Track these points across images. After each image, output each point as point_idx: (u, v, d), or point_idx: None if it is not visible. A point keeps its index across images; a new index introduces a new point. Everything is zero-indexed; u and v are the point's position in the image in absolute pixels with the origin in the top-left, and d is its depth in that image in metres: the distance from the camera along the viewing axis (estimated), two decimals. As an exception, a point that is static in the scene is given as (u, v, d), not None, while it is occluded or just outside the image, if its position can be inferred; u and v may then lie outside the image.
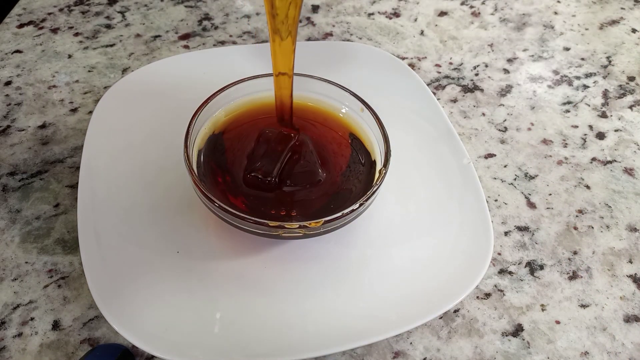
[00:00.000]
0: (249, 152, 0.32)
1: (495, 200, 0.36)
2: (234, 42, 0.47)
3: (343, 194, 0.30)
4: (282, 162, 0.31)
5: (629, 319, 0.31)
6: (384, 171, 0.28)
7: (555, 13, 0.53)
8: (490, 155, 0.39)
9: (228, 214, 0.26)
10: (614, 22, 0.52)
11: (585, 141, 0.41)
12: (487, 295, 0.32)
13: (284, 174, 0.31)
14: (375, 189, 0.28)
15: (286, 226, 0.26)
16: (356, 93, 0.33)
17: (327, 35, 0.49)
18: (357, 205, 0.27)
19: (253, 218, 0.26)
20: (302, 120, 0.34)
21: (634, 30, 0.51)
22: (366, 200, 0.27)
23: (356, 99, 0.32)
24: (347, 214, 0.27)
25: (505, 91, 0.44)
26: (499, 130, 0.41)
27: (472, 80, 0.45)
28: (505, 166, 0.39)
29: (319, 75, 0.34)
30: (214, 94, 0.31)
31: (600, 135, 0.41)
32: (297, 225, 0.26)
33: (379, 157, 0.31)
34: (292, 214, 0.29)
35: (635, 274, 0.33)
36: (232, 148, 0.32)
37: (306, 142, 0.32)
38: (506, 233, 0.35)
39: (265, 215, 0.28)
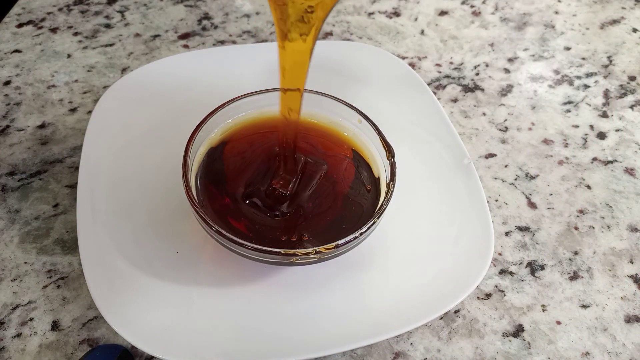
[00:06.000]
0: (257, 174, 0.30)
1: (496, 200, 0.36)
2: (234, 42, 0.47)
3: (350, 211, 0.30)
4: (295, 184, 0.30)
5: (629, 320, 0.31)
6: (392, 185, 0.28)
7: (556, 12, 0.53)
8: (491, 155, 0.39)
9: (239, 245, 0.25)
10: (614, 22, 0.52)
11: (586, 141, 0.41)
12: (488, 295, 0.32)
13: (294, 196, 0.30)
14: (386, 206, 0.27)
15: (299, 253, 0.25)
16: (354, 105, 0.31)
17: (327, 35, 0.49)
18: (371, 222, 0.26)
19: (265, 248, 0.25)
20: (302, 139, 0.32)
21: (634, 30, 0.51)
22: (378, 217, 0.27)
23: (354, 110, 0.31)
24: (363, 232, 0.26)
25: (506, 91, 0.44)
26: (500, 130, 0.41)
27: (472, 79, 0.45)
28: (505, 166, 0.39)
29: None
30: (209, 114, 0.30)
31: (601, 135, 0.41)
32: (312, 251, 0.25)
33: (382, 171, 0.30)
34: (304, 238, 0.28)
35: (636, 274, 0.33)
36: (234, 171, 0.31)
37: (314, 164, 0.31)
38: (507, 233, 0.35)
39: (275, 243, 0.27)
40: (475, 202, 0.32)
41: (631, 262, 0.33)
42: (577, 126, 0.42)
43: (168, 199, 0.32)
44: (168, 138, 0.34)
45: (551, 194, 0.37)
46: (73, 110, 0.40)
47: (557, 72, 0.46)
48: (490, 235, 0.31)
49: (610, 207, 0.36)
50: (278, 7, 0.23)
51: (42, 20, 0.48)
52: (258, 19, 0.49)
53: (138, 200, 0.32)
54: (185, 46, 0.46)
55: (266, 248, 0.25)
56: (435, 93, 0.43)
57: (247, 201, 0.29)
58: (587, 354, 0.29)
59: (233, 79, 0.38)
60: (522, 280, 0.32)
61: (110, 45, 0.46)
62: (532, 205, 0.36)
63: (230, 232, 0.25)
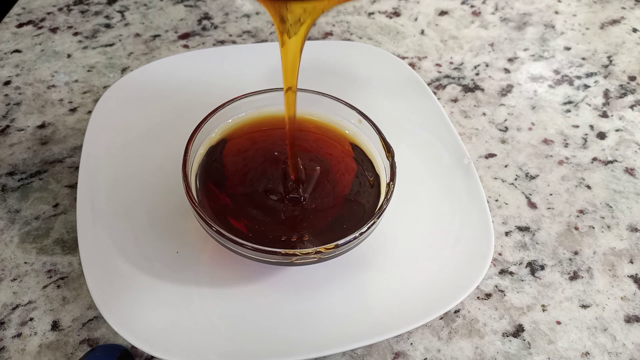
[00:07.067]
0: (257, 174, 0.30)
1: (496, 200, 0.36)
2: (234, 42, 0.47)
3: (350, 211, 0.30)
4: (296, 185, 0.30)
5: (629, 320, 0.31)
6: (392, 185, 0.28)
7: (556, 12, 0.53)
8: (491, 155, 0.39)
9: (239, 245, 0.25)
10: (614, 22, 0.52)
11: (586, 141, 0.41)
12: (488, 295, 0.32)
13: (294, 196, 0.30)
14: (386, 206, 0.27)
15: (299, 253, 0.25)
16: (354, 105, 0.31)
17: (327, 35, 0.49)
18: (371, 222, 0.26)
19: (265, 248, 0.25)
20: (304, 138, 0.33)
21: (634, 30, 0.51)
22: (378, 217, 0.27)
23: (354, 110, 0.31)
24: (363, 232, 0.26)
25: (506, 91, 0.44)
26: (500, 130, 0.41)
27: (472, 79, 0.45)
28: (505, 166, 0.39)
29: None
30: (209, 114, 0.30)
31: (601, 135, 0.41)
32: (312, 251, 0.25)
33: (382, 171, 0.30)
34: (304, 238, 0.28)
35: (636, 274, 0.33)
36: (234, 171, 0.31)
37: (315, 164, 0.31)
38: (507, 233, 0.35)
39: (275, 243, 0.27)
40: (475, 202, 0.32)
41: (631, 262, 0.33)
42: (577, 126, 0.42)
43: (168, 199, 0.32)
44: (168, 138, 0.34)
45: (551, 194, 0.37)
46: (73, 110, 0.40)
47: (557, 72, 0.46)
48: (490, 235, 0.31)
49: (610, 207, 0.36)
50: (277, 13, 0.24)
51: (42, 20, 0.48)
52: (258, 19, 0.49)
53: (138, 200, 0.32)
54: (185, 46, 0.46)
55: (266, 248, 0.25)
56: (435, 93, 0.43)
57: (247, 201, 0.29)
58: (587, 354, 0.29)
59: (233, 79, 0.38)
60: (522, 280, 0.32)
61: (110, 45, 0.46)
62: (532, 205, 0.36)
63: (230, 232, 0.25)
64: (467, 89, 0.44)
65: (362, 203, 0.30)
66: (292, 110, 0.29)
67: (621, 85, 0.45)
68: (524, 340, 0.30)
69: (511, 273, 0.33)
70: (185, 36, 0.47)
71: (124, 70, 0.44)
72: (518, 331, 0.30)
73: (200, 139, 0.30)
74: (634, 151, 0.40)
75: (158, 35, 0.47)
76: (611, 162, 0.39)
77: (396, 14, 0.51)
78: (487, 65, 0.46)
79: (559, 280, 0.32)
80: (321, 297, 0.29)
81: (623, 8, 0.53)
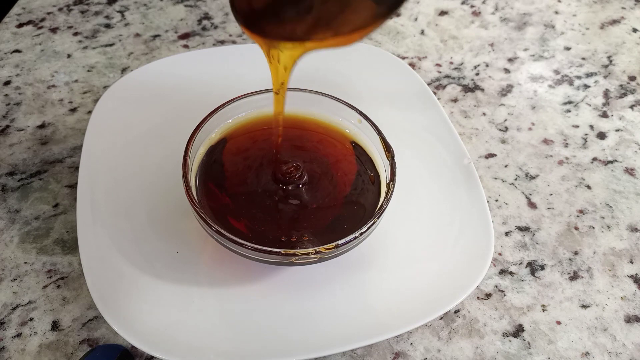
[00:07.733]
0: (257, 174, 0.30)
1: (496, 200, 0.36)
2: (234, 42, 0.47)
3: (350, 211, 0.29)
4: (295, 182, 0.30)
5: (629, 320, 0.31)
6: (392, 185, 0.28)
7: (556, 12, 0.53)
8: (491, 155, 0.39)
9: (239, 245, 0.25)
10: (614, 22, 0.52)
11: (586, 141, 0.41)
12: (488, 295, 0.32)
13: (294, 196, 0.30)
14: (386, 206, 0.27)
15: (299, 253, 0.25)
16: (354, 105, 0.31)
17: (327, 35, 0.49)
18: (371, 222, 0.26)
19: (265, 248, 0.25)
20: (304, 138, 0.33)
21: (634, 30, 0.51)
22: (378, 217, 0.27)
23: (354, 110, 0.31)
24: (363, 232, 0.26)
25: (506, 91, 0.44)
26: (500, 130, 0.41)
27: (472, 79, 0.45)
28: (506, 166, 0.39)
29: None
30: (209, 114, 0.30)
31: (601, 135, 0.41)
32: (312, 251, 0.25)
33: (382, 170, 0.30)
34: (304, 238, 0.28)
35: (636, 274, 0.33)
36: (234, 171, 0.31)
37: (315, 164, 0.31)
38: (507, 233, 0.35)
39: (275, 243, 0.27)
40: (475, 202, 0.32)
41: (631, 262, 0.33)
42: (577, 126, 0.42)
43: (168, 198, 0.32)
44: (168, 138, 0.34)
45: (551, 194, 0.37)
46: (73, 110, 0.40)
47: (557, 72, 0.46)
48: (490, 235, 0.31)
49: (610, 207, 0.36)
50: (269, 50, 0.25)
51: (42, 20, 0.48)
52: (258, 19, 0.49)
53: (138, 200, 0.32)
54: (185, 46, 0.46)
55: (266, 248, 0.25)
56: (435, 93, 0.43)
57: (247, 201, 0.29)
58: (587, 354, 0.29)
59: (233, 79, 0.38)
60: (522, 280, 0.32)
61: (110, 45, 0.46)
62: (532, 205, 0.36)
63: (230, 232, 0.25)
64: (467, 89, 0.44)
65: (362, 203, 0.30)
66: (280, 111, 0.29)
67: (621, 85, 0.45)
68: (524, 340, 0.30)
69: (511, 273, 0.33)
70: (185, 36, 0.47)
71: (124, 70, 0.44)
72: (518, 331, 0.30)
73: (200, 139, 0.30)
74: (634, 151, 0.40)
75: (158, 35, 0.47)
76: (611, 162, 0.39)
77: (396, 14, 0.51)
78: (487, 65, 0.46)
79: (559, 280, 0.32)
80: (321, 297, 0.29)
81: (623, 8, 0.53)
